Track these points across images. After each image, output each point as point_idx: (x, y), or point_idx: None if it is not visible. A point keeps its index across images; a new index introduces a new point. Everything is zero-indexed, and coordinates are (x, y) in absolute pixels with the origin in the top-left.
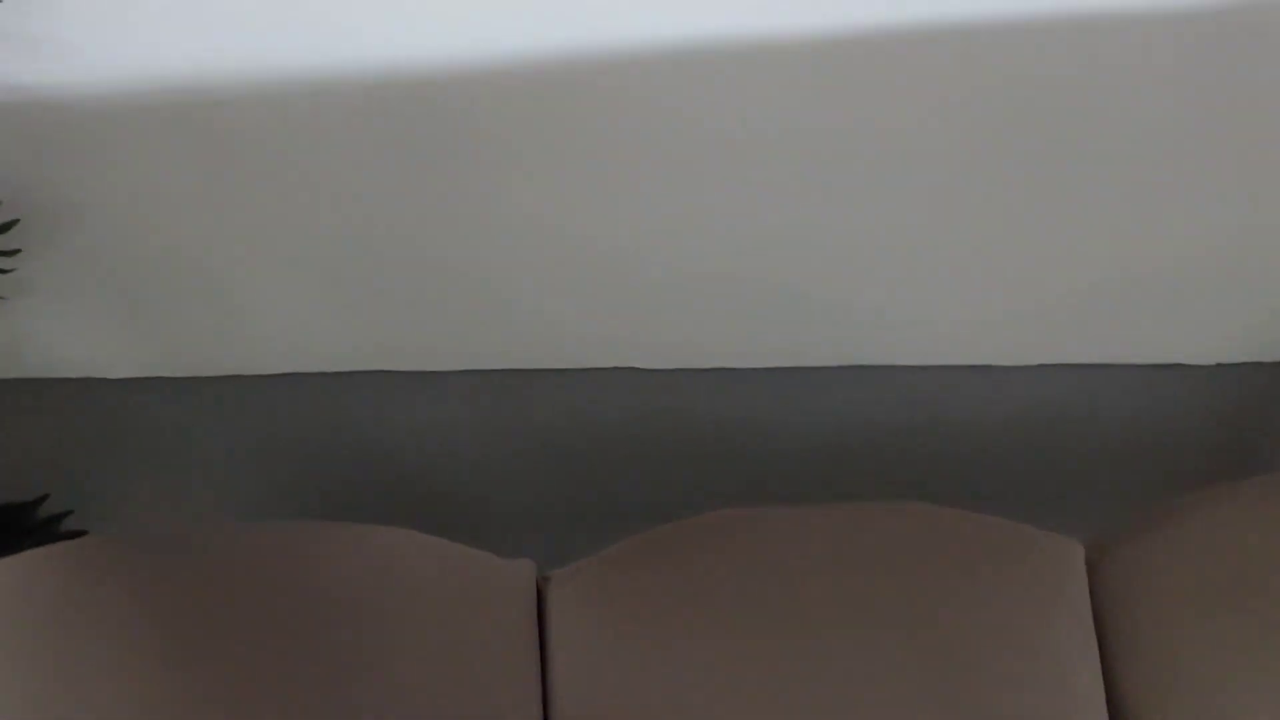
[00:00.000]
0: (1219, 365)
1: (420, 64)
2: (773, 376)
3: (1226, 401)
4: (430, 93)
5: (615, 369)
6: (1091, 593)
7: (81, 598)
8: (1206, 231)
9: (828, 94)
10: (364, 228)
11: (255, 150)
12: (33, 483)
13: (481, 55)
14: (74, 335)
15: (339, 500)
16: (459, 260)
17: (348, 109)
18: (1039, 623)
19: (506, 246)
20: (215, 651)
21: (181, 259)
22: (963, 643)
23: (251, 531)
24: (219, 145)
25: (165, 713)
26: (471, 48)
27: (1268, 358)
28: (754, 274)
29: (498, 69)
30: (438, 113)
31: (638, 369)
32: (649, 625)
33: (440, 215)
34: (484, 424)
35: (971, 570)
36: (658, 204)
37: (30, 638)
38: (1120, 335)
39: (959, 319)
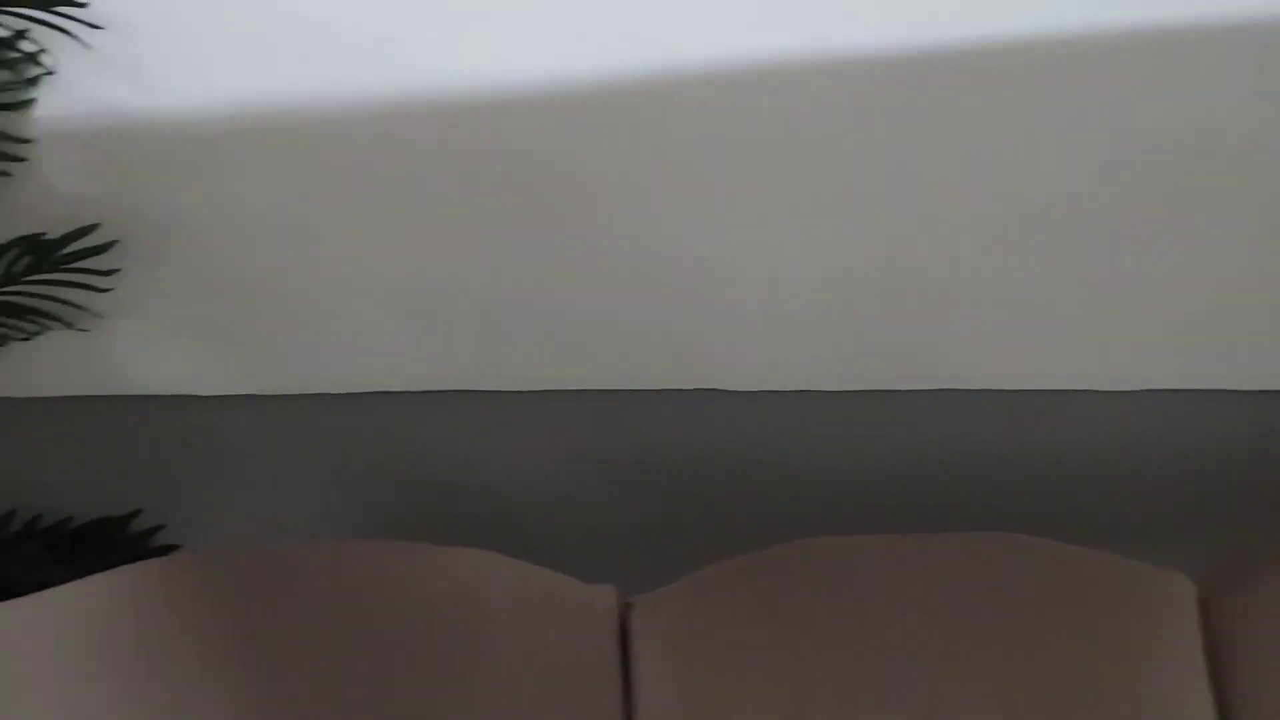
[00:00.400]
0: None
1: (501, 89)
2: (861, 400)
3: None
4: (510, 117)
5: (699, 390)
6: (1204, 633)
7: (177, 611)
8: None
9: (920, 112)
10: (446, 250)
11: (342, 176)
12: (126, 496)
13: (562, 79)
14: (167, 353)
15: (419, 518)
16: (539, 280)
17: (430, 135)
18: (1149, 664)
19: (588, 267)
20: (300, 666)
21: (271, 280)
22: (1064, 682)
23: (339, 549)
24: (308, 171)
25: None
26: (554, 72)
27: None
28: (842, 294)
29: (579, 92)
30: (518, 136)
31: (722, 390)
32: (735, 652)
33: (520, 237)
34: (564, 445)
35: (1074, 606)
36: (743, 225)
37: (129, 650)
38: (1229, 360)
39: (1055, 341)
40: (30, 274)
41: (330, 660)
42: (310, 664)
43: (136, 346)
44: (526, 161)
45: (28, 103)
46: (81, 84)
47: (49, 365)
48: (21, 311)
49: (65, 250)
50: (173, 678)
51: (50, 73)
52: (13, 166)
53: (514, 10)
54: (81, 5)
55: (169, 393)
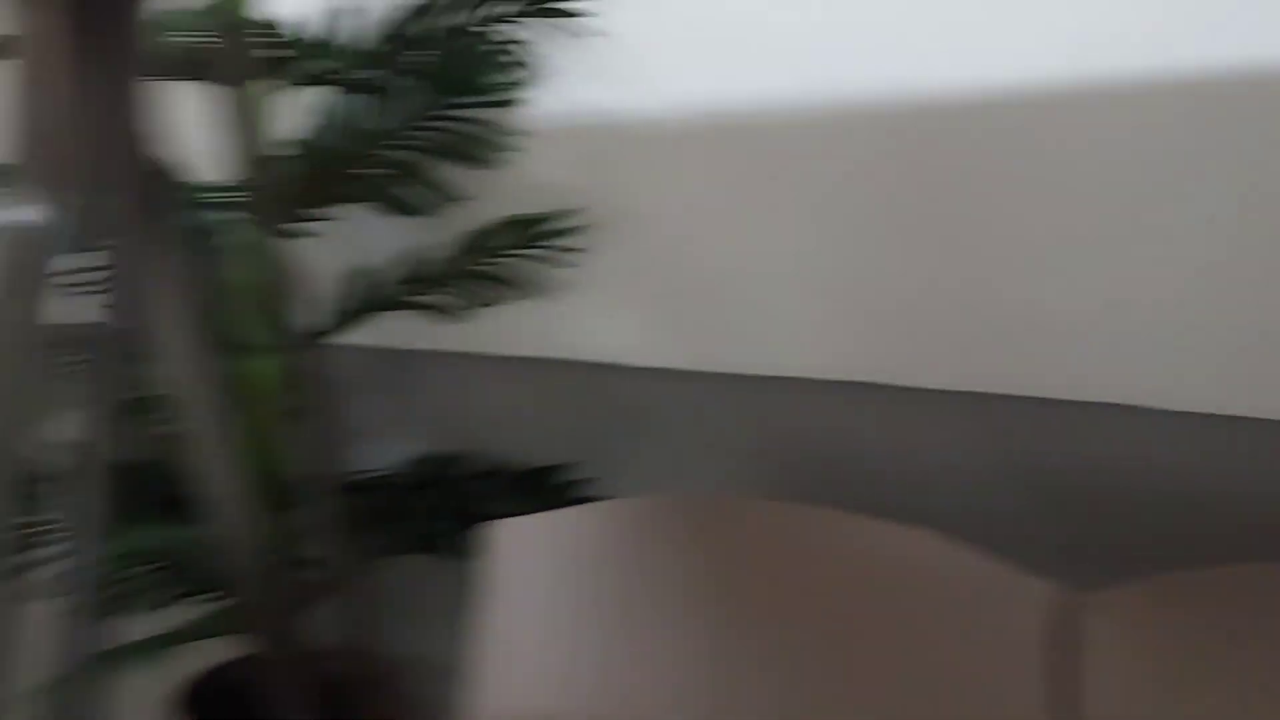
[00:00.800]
0: None
1: (934, 90)
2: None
3: None
4: (942, 117)
5: (1111, 405)
6: None
7: (644, 544)
8: None
9: None
10: (875, 246)
11: (782, 172)
12: (564, 448)
13: (997, 81)
14: (614, 326)
15: (828, 505)
16: (963, 280)
17: (866, 134)
18: None
19: (1010, 271)
20: (747, 613)
21: (710, 267)
22: None
23: (781, 508)
24: (755, 165)
25: (707, 664)
26: (991, 73)
27: None
28: (1265, 319)
29: (1006, 94)
30: (946, 136)
31: (1138, 407)
32: (1194, 665)
33: (945, 236)
34: (975, 446)
35: None
36: (1151, 239)
37: (599, 573)
38: None
39: None
40: (514, 249)
41: (775, 611)
42: (755, 613)
43: (588, 318)
44: (954, 160)
45: (523, 101)
46: (568, 85)
47: (516, 328)
48: (503, 281)
49: (544, 229)
50: (633, 601)
51: (543, 76)
52: (508, 157)
53: (938, 21)
54: (578, 16)
55: (611, 361)
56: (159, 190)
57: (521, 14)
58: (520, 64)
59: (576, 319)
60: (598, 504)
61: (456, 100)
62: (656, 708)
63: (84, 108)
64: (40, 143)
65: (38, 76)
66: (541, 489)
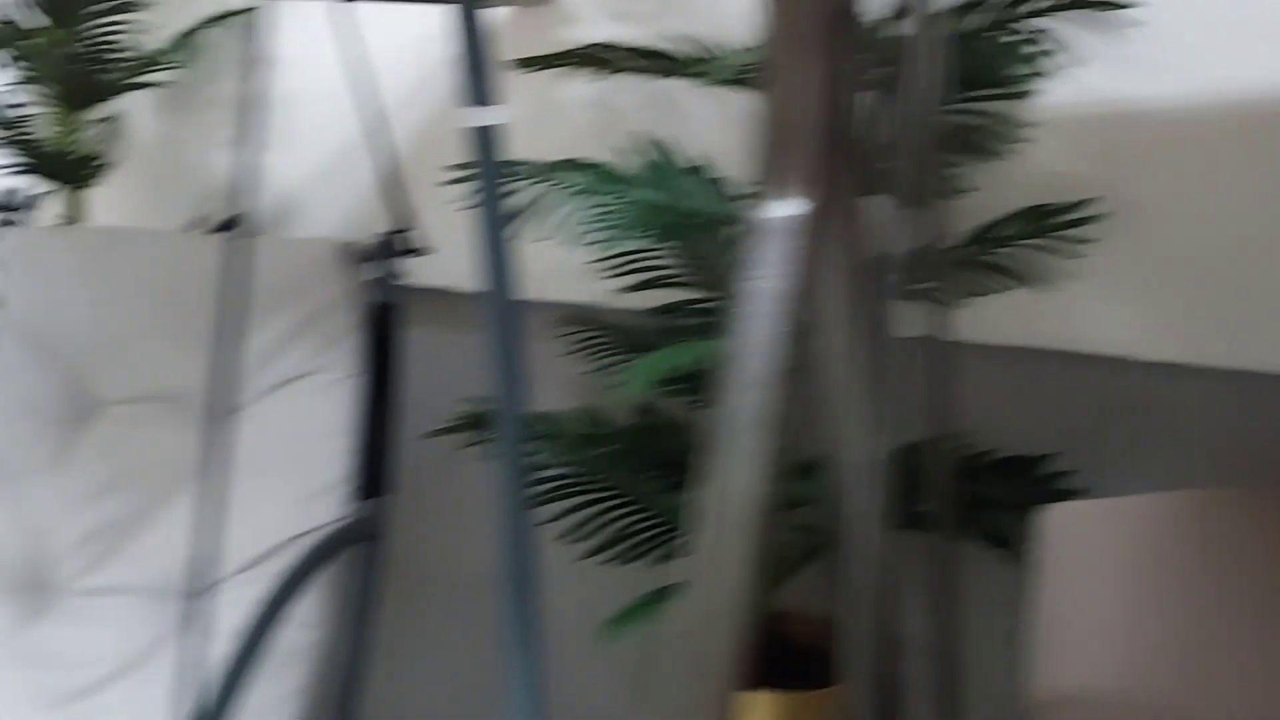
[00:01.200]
0: None
1: None
2: None
3: None
4: None
5: None
6: None
7: (1212, 539)
8: None
9: None
10: None
11: None
12: (1046, 440)
13: None
14: (1114, 316)
15: None
16: None
17: None
18: None
19: None
20: None
21: (1223, 259)
22: None
23: None
24: (1273, 157)
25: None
26: None
27: None
28: None
29: None
30: None
31: None
32: None
33: None
34: None
35: None
36: None
37: (1171, 559)
38: None
39: None
40: (1024, 238)
41: None
42: None
43: (1088, 308)
44: None
45: (1035, 91)
46: (1086, 74)
47: (1007, 317)
48: (1007, 271)
49: (1057, 220)
50: (1202, 591)
51: (1063, 65)
52: (1018, 147)
53: None
54: (1114, 8)
55: (1106, 353)
56: (868, 182)
57: (1055, 7)
58: (1044, 55)
59: (1075, 309)
60: (1162, 494)
61: (974, 93)
62: (1231, 700)
63: (824, 116)
64: (789, 148)
65: (789, 93)
66: (1028, 478)
